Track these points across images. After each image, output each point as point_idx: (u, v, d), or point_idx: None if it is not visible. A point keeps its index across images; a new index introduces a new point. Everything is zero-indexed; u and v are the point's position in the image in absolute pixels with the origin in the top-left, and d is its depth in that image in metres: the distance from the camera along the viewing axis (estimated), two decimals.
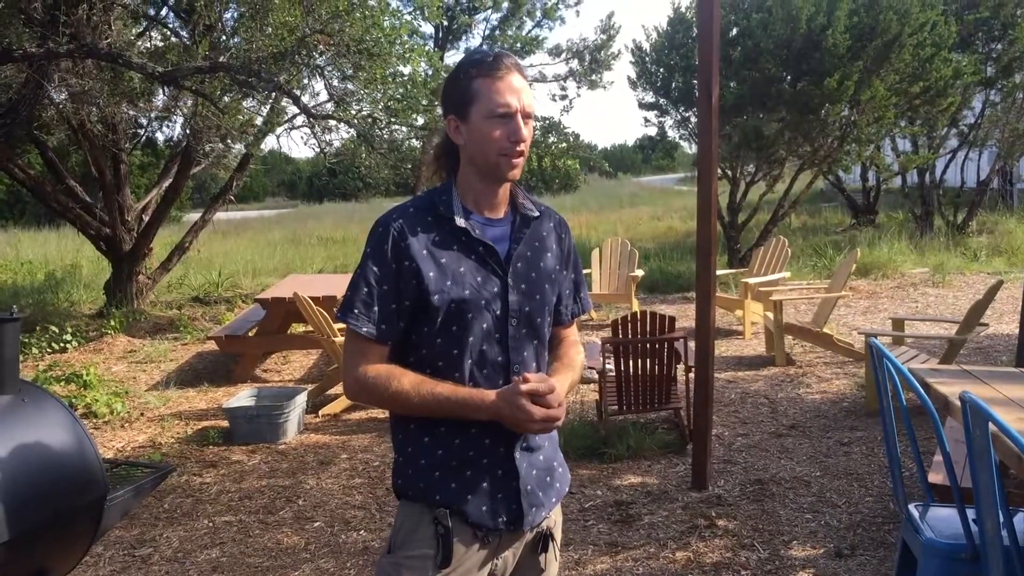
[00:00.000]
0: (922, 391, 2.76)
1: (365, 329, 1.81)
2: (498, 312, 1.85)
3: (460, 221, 1.83)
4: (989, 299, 6.00)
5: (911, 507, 2.97)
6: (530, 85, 1.87)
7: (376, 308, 1.81)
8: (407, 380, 1.80)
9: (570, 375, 2.00)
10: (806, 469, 5.08)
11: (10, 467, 2.37)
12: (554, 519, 2.00)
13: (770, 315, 7.80)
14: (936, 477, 3.45)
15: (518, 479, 1.87)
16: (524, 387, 1.75)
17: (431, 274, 1.80)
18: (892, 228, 15.71)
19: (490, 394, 1.79)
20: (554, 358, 2.02)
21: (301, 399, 6.29)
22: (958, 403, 2.39)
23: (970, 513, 2.58)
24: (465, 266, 1.83)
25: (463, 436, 1.84)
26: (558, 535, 2.03)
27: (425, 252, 1.81)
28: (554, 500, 1.97)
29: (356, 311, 1.81)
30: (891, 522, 4.23)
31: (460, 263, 1.83)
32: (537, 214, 1.93)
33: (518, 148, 1.81)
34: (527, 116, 1.82)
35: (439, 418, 1.83)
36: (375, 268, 1.81)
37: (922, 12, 11.87)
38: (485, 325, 1.83)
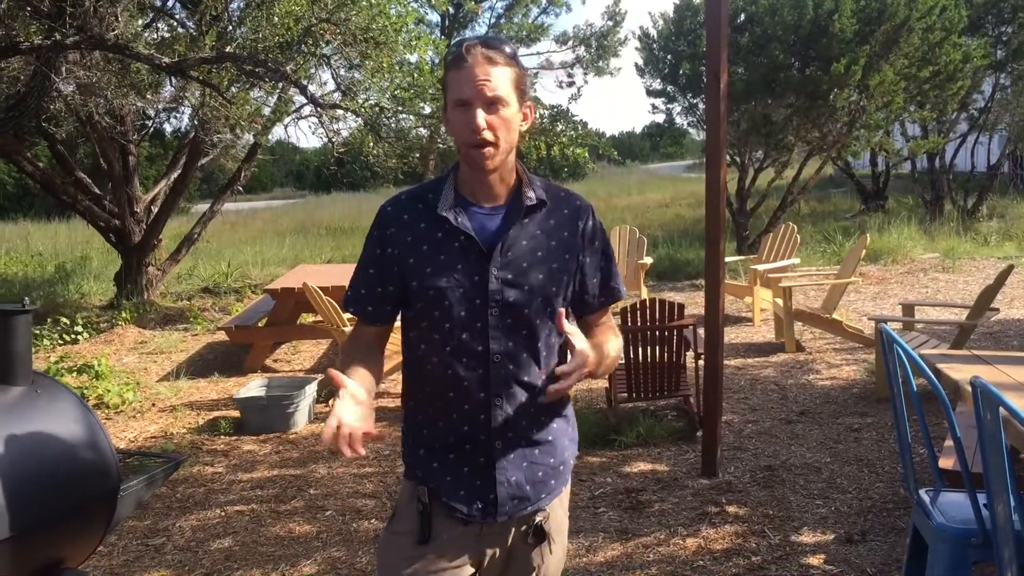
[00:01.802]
0: (933, 376, 2.75)
1: (352, 309, 1.94)
2: (478, 302, 1.84)
3: (442, 210, 1.84)
4: (1000, 284, 5.97)
5: (922, 492, 2.97)
6: (512, 67, 1.81)
7: (363, 290, 1.92)
8: (344, 359, 1.88)
9: (612, 338, 1.98)
10: (816, 455, 5.08)
11: (24, 458, 2.39)
12: (548, 514, 1.97)
13: (779, 301, 7.79)
14: (947, 462, 3.45)
15: (496, 469, 1.88)
16: (345, 388, 1.68)
17: (411, 261, 1.85)
18: (902, 213, 15.63)
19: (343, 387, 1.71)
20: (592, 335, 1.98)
21: (311, 389, 6.31)
22: (969, 388, 2.38)
23: (981, 498, 2.58)
24: (445, 254, 1.84)
25: (445, 420, 1.89)
26: (557, 530, 2.00)
27: (409, 239, 1.86)
28: (544, 497, 1.95)
29: (350, 293, 1.95)
30: (902, 508, 4.23)
31: (441, 251, 1.84)
32: (534, 202, 1.88)
33: (478, 138, 1.77)
34: (494, 103, 1.77)
35: (429, 400, 1.90)
36: (366, 252, 1.92)
37: None
38: (463, 313, 1.84)
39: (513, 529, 1.93)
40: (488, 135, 1.78)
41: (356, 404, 1.68)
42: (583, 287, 1.96)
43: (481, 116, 1.76)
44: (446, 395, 1.87)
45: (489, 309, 1.84)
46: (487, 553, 1.92)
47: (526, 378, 1.89)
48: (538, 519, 1.95)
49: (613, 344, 1.96)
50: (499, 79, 1.78)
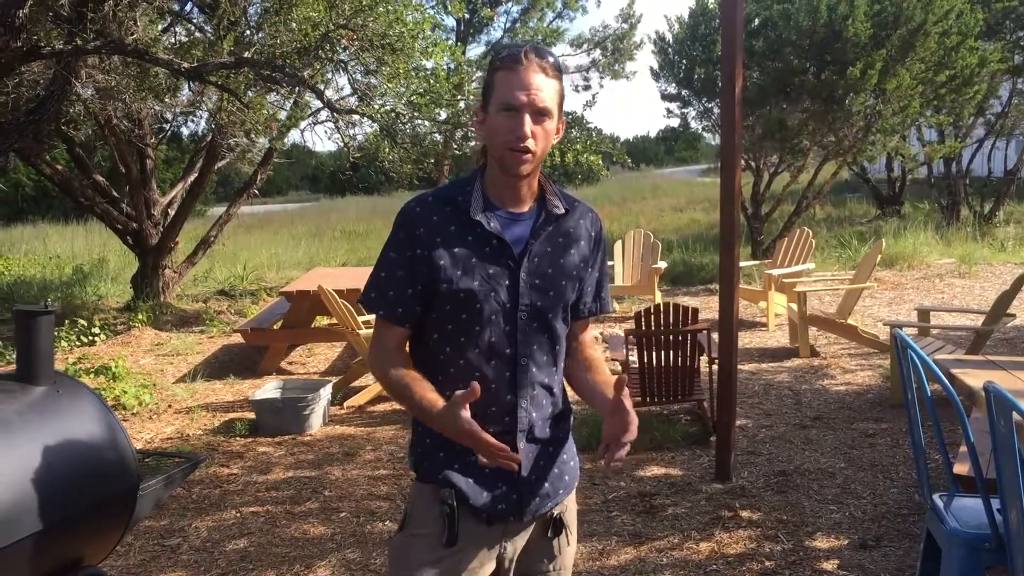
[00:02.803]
0: (946, 381, 2.76)
1: (382, 312, 1.90)
2: (508, 305, 1.87)
3: (475, 214, 1.86)
4: (1016, 290, 5.95)
5: (936, 497, 2.97)
6: (559, 81, 1.85)
7: (391, 292, 1.89)
8: (404, 378, 1.88)
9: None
10: (830, 460, 5.08)
11: (47, 456, 2.42)
12: (566, 505, 2.03)
13: (794, 306, 7.78)
14: (962, 468, 3.44)
15: (520, 469, 1.91)
16: (462, 407, 1.73)
17: (442, 262, 1.84)
18: (918, 218, 15.58)
19: (439, 404, 1.80)
20: (587, 368, 2.04)
21: (326, 391, 6.35)
22: (983, 393, 2.39)
23: (994, 503, 2.58)
24: (477, 258, 1.86)
25: None
26: (572, 521, 2.06)
27: (439, 240, 1.85)
28: (561, 492, 1.99)
29: (372, 294, 1.92)
30: (916, 513, 4.22)
31: (472, 254, 1.86)
32: (562, 211, 1.93)
33: (520, 144, 1.79)
34: (541, 114, 1.81)
35: None
36: (392, 253, 1.89)
37: (947, 0, 11.76)
38: (494, 317, 1.86)
39: (534, 525, 1.98)
40: (531, 143, 1.80)
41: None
42: (581, 294, 2.01)
43: (528, 124, 1.79)
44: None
45: (519, 312, 1.88)
46: (508, 550, 1.96)
47: (546, 380, 1.94)
48: (556, 512, 2.00)
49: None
50: (548, 91, 1.81)
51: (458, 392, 1.73)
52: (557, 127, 1.88)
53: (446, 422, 1.77)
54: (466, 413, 1.73)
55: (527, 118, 1.79)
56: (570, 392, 2.07)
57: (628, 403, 1.77)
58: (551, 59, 1.83)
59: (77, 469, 2.53)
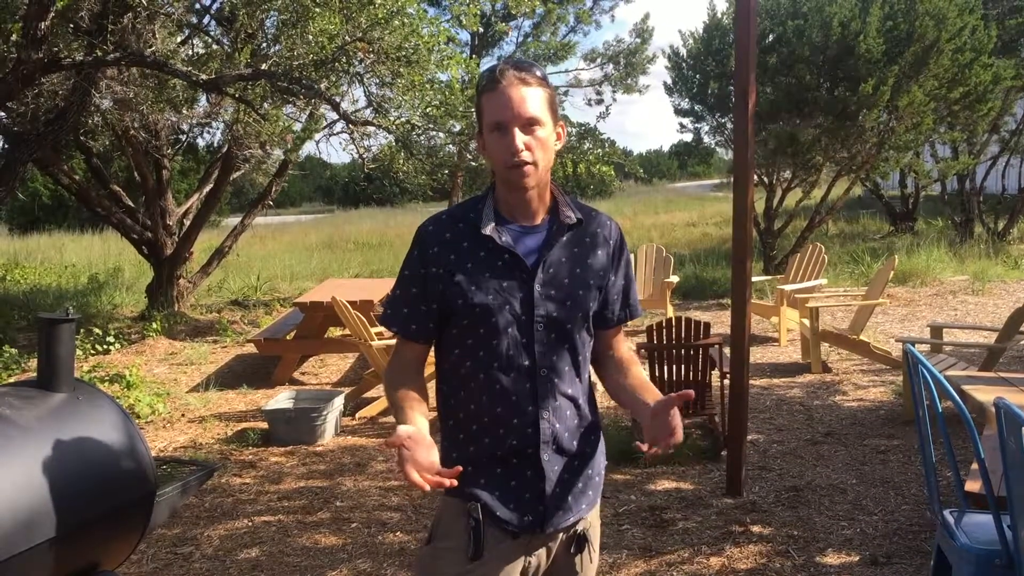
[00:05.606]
0: (957, 398, 2.76)
1: (395, 328, 1.96)
2: (523, 318, 1.88)
3: (486, 229, 1.88)
4: None
5: (946, 513, 2.97)
6: (544, 88, 1.86)
7: (406, 310, 1.94)
8: (399, 391, 1.91)
9: (646, 381, 2.02)
10: (842, 476, 5.07)
11: (66, 462, 2.46)
12: (589, 521, 2.03)
13: (806, 322, 7.77)
14: (973, 486, 3.44)
15: (544, 481, 1.92)
16: (402, 430, 1.74)
17: (456, 279, 1.87)
18: (931, 235, 15.53)
19: (403, 425, 1.81)
20: (620, 370, 2.04)
21: (338, 402, 6.37)
22: (993, 409, 2.39)
23: (1005, 520, 2.58)
24: (490, 272, 1.88)
25: (492, 435, 1.91)
26: (595, 537, 2.06)
27: (452, 258, 1.89)
28: (584, 507, 2.00)
29: (389, 312, 1.98)
30: (928, 530, 4.21)
31: (485, 270, 1.88)
32: (574, 220, 1.94)
33: (516, 159, 1.82)
34: (530, 124, 1.83)
35: (474, 416, 1.92)
36: (407, 272, 1.94)
37: (960, 17, 11.76)
38: (510, 330, 1.88)
39: (559, 538, 1.99)
40: (527, 155, 1.82)
41: (424, 448, 1.76)
42: (606, 303, 2.01)
43: (519, 138, 1.82)
44: (493, 411, 1.90)
45: (535, 324, 1.89)
46: (532, 563, 1.97)
47: (569, 391, 1.94)
48: (580, 528, 2.00)
49: (650, 387, 1.99)
50: (533, 100, 1.83)
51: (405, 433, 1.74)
52: (556, 132, 1.90)
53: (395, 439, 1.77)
54: (408, 452, 1.74)
55: (516, 132, 1.81)
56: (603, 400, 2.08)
57: (677, 419, 1.76)
58: (530, 69, 1.86)
59: (96, 475, 2.56)
